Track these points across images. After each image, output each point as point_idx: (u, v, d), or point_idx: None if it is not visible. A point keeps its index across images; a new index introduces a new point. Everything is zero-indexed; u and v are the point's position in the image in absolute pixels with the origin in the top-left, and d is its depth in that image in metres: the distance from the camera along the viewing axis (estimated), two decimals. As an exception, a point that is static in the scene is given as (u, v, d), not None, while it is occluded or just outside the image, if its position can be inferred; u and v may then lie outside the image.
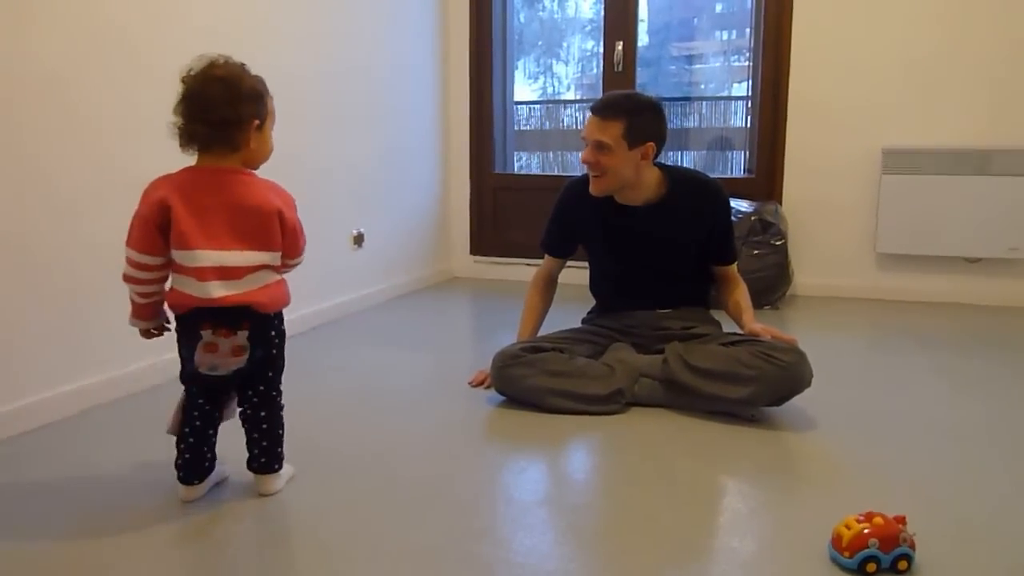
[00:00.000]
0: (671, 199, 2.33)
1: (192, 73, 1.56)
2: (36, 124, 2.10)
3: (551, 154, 4.87)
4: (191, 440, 1.65)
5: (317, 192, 3.27)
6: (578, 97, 4.83)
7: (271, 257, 1.60)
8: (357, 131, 3.58)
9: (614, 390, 2.21)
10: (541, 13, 4.74)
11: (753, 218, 3.67)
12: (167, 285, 1.61)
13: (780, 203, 3.89)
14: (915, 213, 3.64)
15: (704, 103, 4.53)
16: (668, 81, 4.60)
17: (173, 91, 1.56)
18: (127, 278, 1.60)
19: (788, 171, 3.91)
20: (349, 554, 1.46)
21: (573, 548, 1.49)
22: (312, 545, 1.50)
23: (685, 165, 4.33)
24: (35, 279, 2.12)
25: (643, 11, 4.29)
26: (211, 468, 1.69)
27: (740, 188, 3.88)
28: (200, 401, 1.65)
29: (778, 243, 3.65)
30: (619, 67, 4.15)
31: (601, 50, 4.23)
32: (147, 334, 1.70)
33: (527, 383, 2.22)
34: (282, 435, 1.71)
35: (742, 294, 2.39)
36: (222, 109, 1.54)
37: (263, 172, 1.66)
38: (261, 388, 1.67)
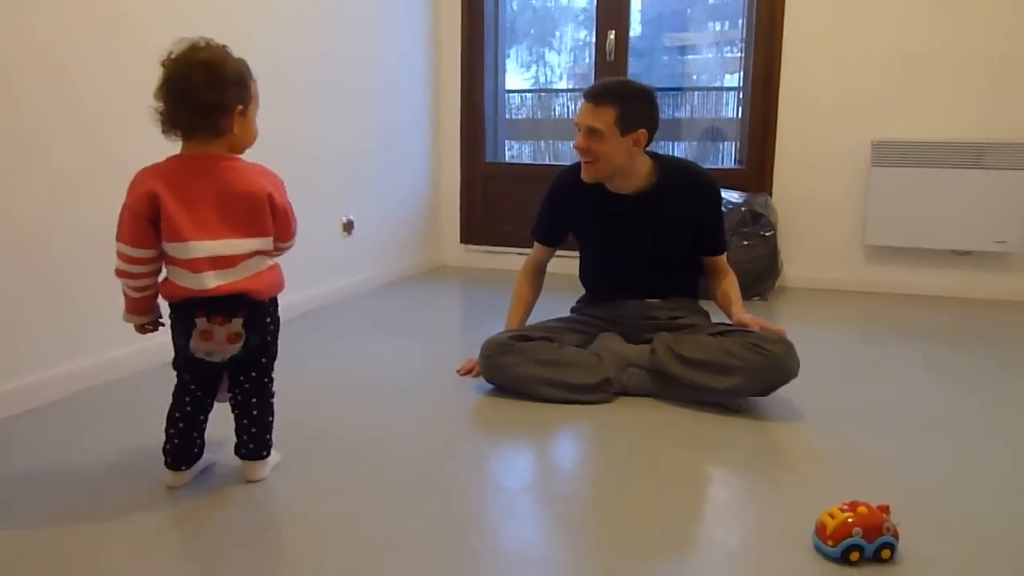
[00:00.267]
0: (662, 188, 2.33)
1: (173, 57, 1.51)
2: (33, 106, 2.09)
3: (543, 143, 4.86)
4: (180, 426, 1.64)
5: (307, 178, 3.25)
6: (570, 86, 4.81)
7: (263, 243, 1.59)
8: (348, 117, 3.56)
9: (602, 379, 2.21)
10: (534, 1, 4.72)
11: (743, 209, 3.67)
12: (160, 277, 1.60)
13: (770, 194, 3.90)
14: (904, 206, 3.66)
15: (696, 94, 4.53)
16: (660, 71, 4.59)
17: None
18: (120, 273, 1.57)
19: (779, 162, 3.92)
20: (336, 541, 1.46)
21: (559, 536, 1.50)
22: (299, 532, 1.50)
23: (677, 155, 4.33)
24: (26, 262, 2.10)
25: (636, 0, 4.28)
26: (199, 455, 1.69)
27: (731, 179, 3.88)
28: (192, 387, 1.64)
29: (768, 234, 3.66)
30: (611, 57, 4.14)
31: (593, 39, 4.22)
32: (142, 329, 1.69)
33: (515, 372, 2.23)
34: (272, 422, 1.70)
35: (731, 285, 2.40)
36: (205, 94, 1.50)
37: (251, 157, 1.64)
38: (253, 375, 1.66)
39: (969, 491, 1.69)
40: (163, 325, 1.68)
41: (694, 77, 4.63)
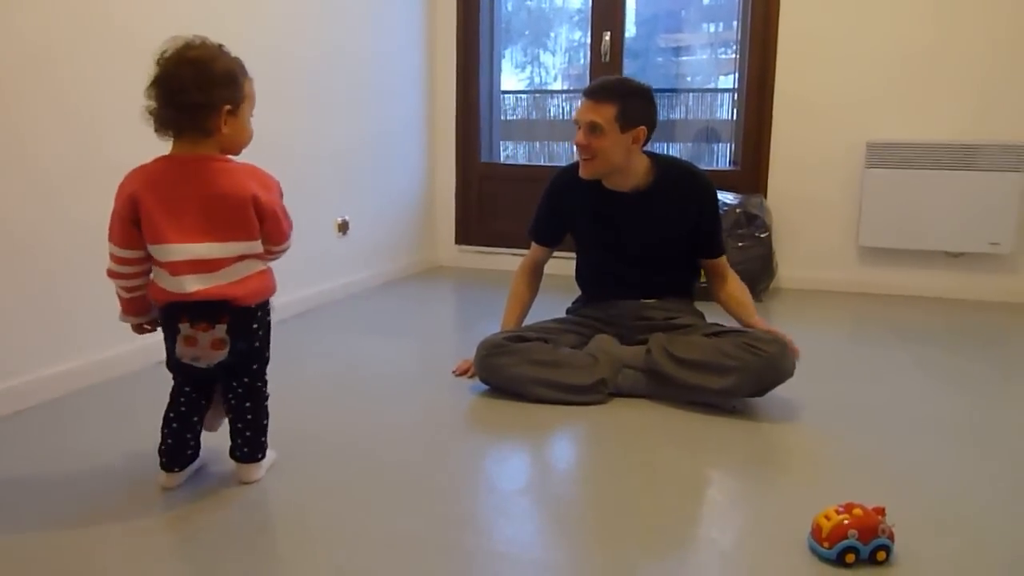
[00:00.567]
0: (659, 187, 2.33)
1: (166, 55, 1.50)
2: (21, 104, 2.07)
3: (538, 144, 4.86)
4: (174, 426, 1.63)
5: (302, 178, 3.25)
6: (565, 87, 4.82)
7: (249, 246, 1.55)
8: (343, 117, 3.56)
9: (597, 380, 2.21)
10: (529, 2, 4.72)
11: (738, 210, 3.68)
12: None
13: (765, 196, 3.90)
14: (898, 207, 3.67)
15: (691, 95, 4.53)
16: (655, 72, 4.60)
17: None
18: (111, 273, 1.57)
19: (773, 164, 3.93)
20: (331, 541, 1.46)
21: (554, 537, 1.50)
22: (294, 532, 1.50)
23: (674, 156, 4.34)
24: (16, 261, 2.09)
25: (631, 2, 4.28)
26: (194, 457, 1.68)
27: (725, 180, 3.89)
28: (186, 388, 1.64)
29: (762, 236, 3.66)
30: (606, 58, 4.14)
31: (588, 40, 4.22)
32: (139, 329, 1.68)
33: (511, 372, 2.22)
34: (266, 425, 1.69)
35: (742, 290, 2.40)
36: (192, 93, 1.47)
37: (246, 157, 1.62)
38: (246, 380, 1.64)
39: (965, 492, 1.69)
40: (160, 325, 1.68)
41: (689, 78, 4.64)
